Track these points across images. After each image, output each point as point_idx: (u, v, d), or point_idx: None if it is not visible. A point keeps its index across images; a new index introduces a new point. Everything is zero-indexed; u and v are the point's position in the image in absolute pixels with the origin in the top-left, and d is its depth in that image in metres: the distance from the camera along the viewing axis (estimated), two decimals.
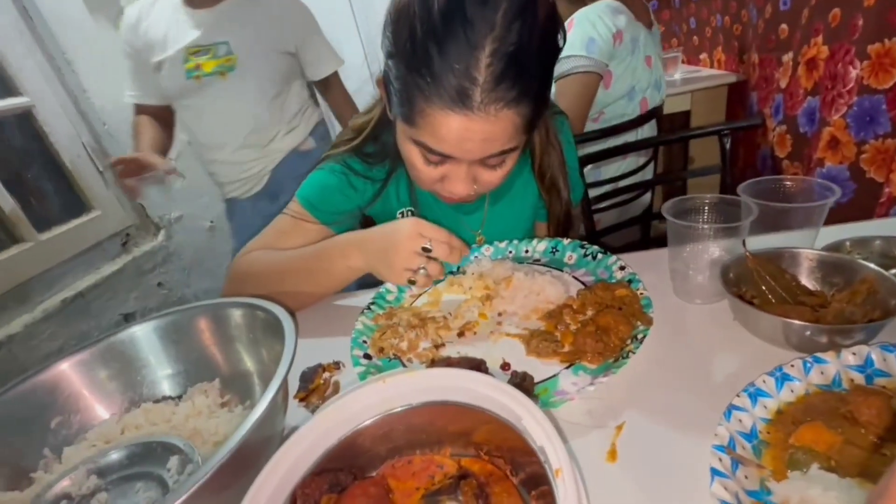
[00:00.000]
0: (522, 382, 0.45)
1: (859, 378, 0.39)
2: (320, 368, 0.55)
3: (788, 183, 0.59)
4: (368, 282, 0.70)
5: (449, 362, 0.48)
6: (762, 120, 1.45)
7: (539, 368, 0.49)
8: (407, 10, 0.47)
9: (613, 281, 0.60)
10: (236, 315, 0.51)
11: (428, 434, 0.38)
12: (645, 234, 1.51)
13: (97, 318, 1.39)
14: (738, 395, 0.39)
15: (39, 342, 1.22)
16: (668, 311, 0.56)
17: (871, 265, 0.47)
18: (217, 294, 0.71)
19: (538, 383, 0.47)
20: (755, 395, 0.39)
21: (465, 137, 0.49)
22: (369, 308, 0.63)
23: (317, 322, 0.68)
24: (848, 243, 0.56)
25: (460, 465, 0.37)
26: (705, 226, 0.53)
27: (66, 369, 0.47)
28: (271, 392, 0.38)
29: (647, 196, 1.47)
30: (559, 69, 1.18)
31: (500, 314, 0.61)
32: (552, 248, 0.72)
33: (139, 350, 0.51)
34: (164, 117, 1.29)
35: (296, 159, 1.34)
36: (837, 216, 0.60)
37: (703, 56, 2.26)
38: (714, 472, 0.32)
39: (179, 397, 0.50)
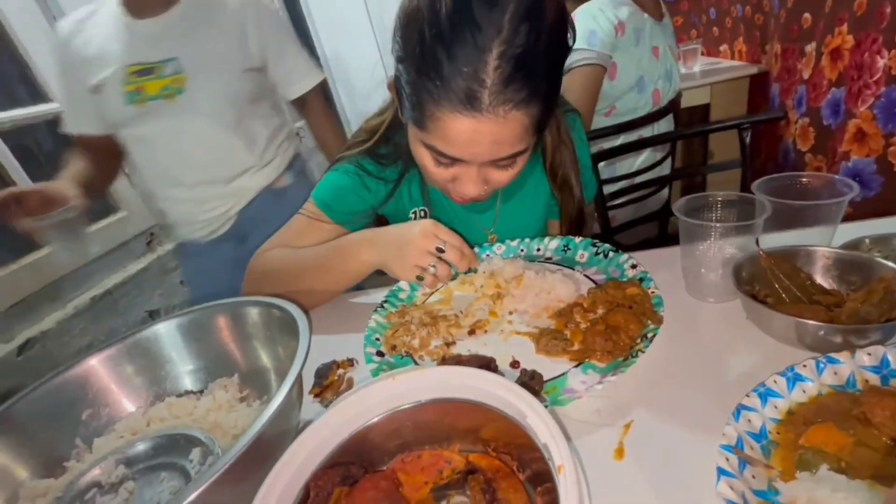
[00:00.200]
0: (531, 381, 0.46)
1: (874, 379, 0.38)
2: (334, 365, 0.57)
3: (805, 179, 0.58)
4: (381, 282, 0.71)
5: (459, 360, 0.49)
6: (784, 112, 1.41)
7: (548, 366, 0.50)
8: (415, 15, 0.48)
9: (625, 279, 0.60)
10: (253, 313, 0.53)
11: (437, 430, 0.39)
12: (662, 230, 1.49)
13: (124, 314, 1.45)
14: (747, 395, 0.39)
15: (71, 338, 1.28)
16: (680, 310, 0.56)
17: (889, 263, 0.46)
18: (238, 292, 0.73)
19: (547, 381, 0.48)
20: (765, 395, 0.39)
21: (475, 140, 0.49)
22: (382, 306, 0.65)
23: (331, 320, 0.70)
24: (867, 241, 0.55)
25: (468, 460, 0.38)
26: (717, 224, 0.53)
27: (96, 365, 0.50)
28: (286, 388, 0.40)
29: (665, 192, 1.45)
30: None
31: (510, 312, 0.61)
32: (564, 246, 0.72)
33: (163, 347, 0.53)
34: (108, 148, 1.05)
35: (268, 199, 1.12)
36: (864, 211, 0.59)
37: (724, 47, 2.21)
38: (720, 471, 0.33)
39: (201, 392, 0.53)
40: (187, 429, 0.47)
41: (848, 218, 0.58)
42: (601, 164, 1.27)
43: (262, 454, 0.36)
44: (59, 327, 1.25)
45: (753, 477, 0.33)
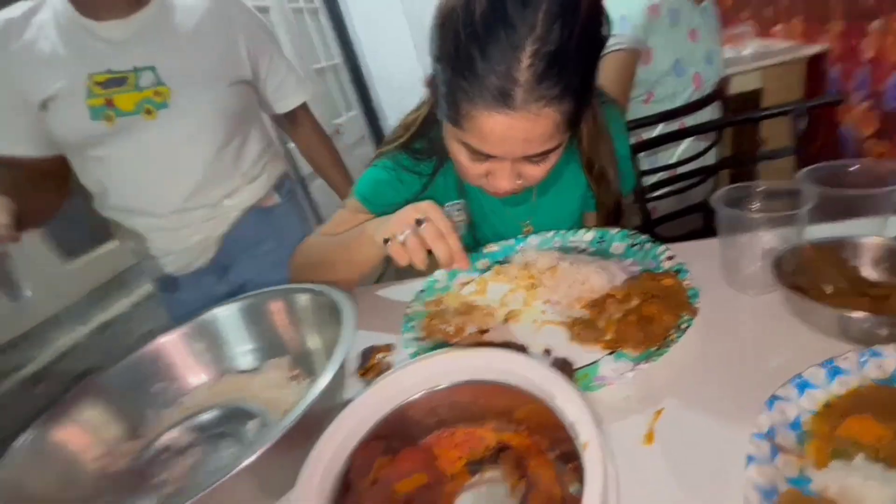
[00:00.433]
0: (562, 368, 0.47)
1: None
2: (375, 350, 0.61)
3: (856, 167, 0.56)
4: (415, 275, 0.74)
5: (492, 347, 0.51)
6: (840, 96, 1.32)
7: (581, 355, 0.51)
8: (450, 15, 0.49)
9: (660, 271, 0.60)
10: (303, 299, 0.58)
11: (471, 410, 0.41)
12: (708, 221, 1.43)
13: None
14: (783, 386, 0.38)
15: (138, 323, 1.40)
16: (718, 302, 0.55)
17: None
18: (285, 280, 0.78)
19: (579, 369, 0.49)
20: (803, 385, 0.39)
21: (508, 137, 0.51)
22: (420, 295, 0.68)
23: (373, 308, 0.74)
24: None
25: (501, 439, 0.40)
26: (758, 214, 0.52)
27: (165, 344, 0.56)
28: (333, 368, 0.43)
29: (710, 183, 1.39)
30: None
31: (544, 302, 0.62)
32: (599, 238, 0.72)
33: (223, 328, 0.59)
34: (48, 172, 0.86)
35: (255, 218, 0.99)
36: None
37: (779, 27, 2.08)
38: (751, 458, 0.33)
39: (257, 370, 0.58)
40: (245, 403, 0.53)
41: None
42: (641, 155, 1.24)
43: (309, 427, 0.40)
44: (126, 314, 1.37)
45: (785, 465, 0.34)
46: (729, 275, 0.58)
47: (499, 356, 0.40)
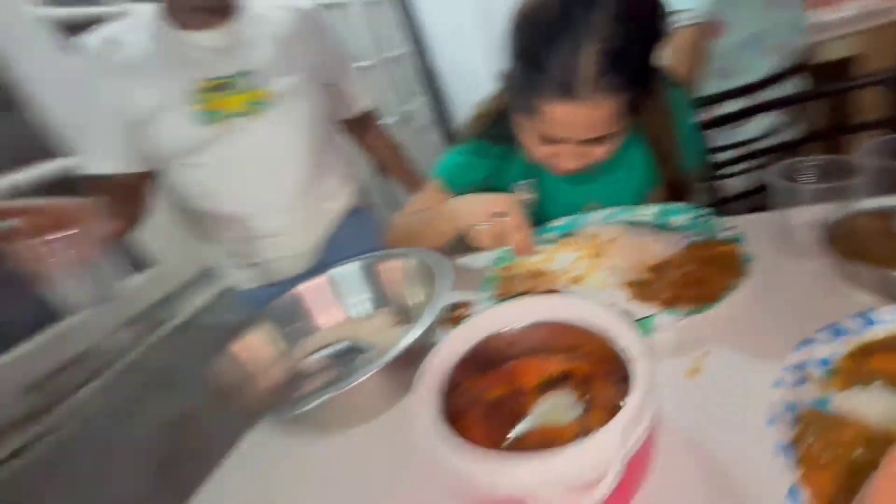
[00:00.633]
0: None
1: None
2: (458, 305, 0.73)
3: None
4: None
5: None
6: None
7: (639, 311, 0.59)
8: (523, 16, 0.59)
9: (718, 239, 0.66)
10: (407, 261, 0.72)
11: (543, 345, 0.51)
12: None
13: None
14: (819, 330, 0.44)
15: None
16: (771, 268, 0.59)
17: None
18: None
19: (636, 321, 0.57)
20: (838, 331, 0.43)
21: (572, 122, 0.60)
22: (496, 261, 0.78)
23: (456, 274, 0.85)
24: None
25: (568, 367, 0.50)
26: (810, 185, 0.56)
27: (301, 291, 0.75)
28: (430, 317, 0.56)
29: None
30: None
31: (606, 269, 0.70)
32: (662, 212, 0.78)
33: (346, 281, 0.76)
34: (132, 190, 0.88)
35: (353, 220, 1.06)
36: None
37: None
38: (778, 382, 0.40)
39: (370, 316, 0.74)
40: (360, 341, 0.68)
41: None
42: (714, 131, 1.23)
43: (413, 359, 0.52)
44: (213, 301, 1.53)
45: (809, 391, 0.40)
46: (783, 243, 0.62)
47: (565, 300, 0.49)
